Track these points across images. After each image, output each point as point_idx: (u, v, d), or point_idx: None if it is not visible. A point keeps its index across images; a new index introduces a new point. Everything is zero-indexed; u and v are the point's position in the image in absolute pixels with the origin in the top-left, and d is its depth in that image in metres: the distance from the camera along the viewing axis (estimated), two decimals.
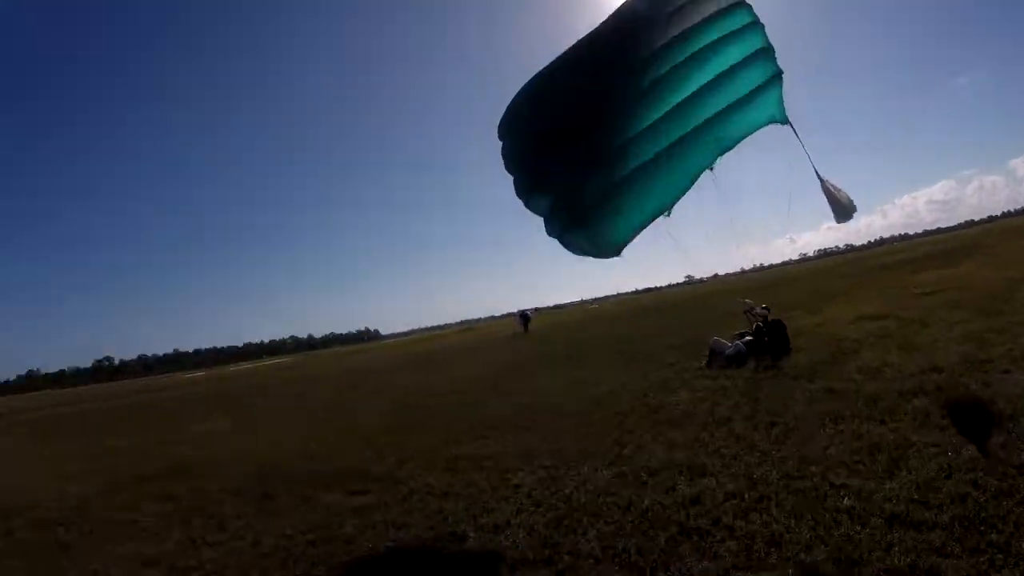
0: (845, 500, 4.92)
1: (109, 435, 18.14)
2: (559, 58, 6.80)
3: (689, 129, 6.32)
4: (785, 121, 6.73)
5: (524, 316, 49.53)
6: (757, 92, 6.60)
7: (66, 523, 8.24)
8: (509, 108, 6.97)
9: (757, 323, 12.84)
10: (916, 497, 4.74)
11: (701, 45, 6.50)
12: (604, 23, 6.77)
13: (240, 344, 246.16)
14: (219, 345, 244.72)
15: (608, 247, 6.78)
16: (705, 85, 6.44)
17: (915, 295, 17.09)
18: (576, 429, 9.16)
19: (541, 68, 6.88)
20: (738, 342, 12.46)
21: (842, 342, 11.95)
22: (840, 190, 7.38)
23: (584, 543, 5.05)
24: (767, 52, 6.71)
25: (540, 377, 15.91)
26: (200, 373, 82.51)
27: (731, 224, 7.27)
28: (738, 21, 6.67)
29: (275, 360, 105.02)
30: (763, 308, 13.35)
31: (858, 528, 4.44)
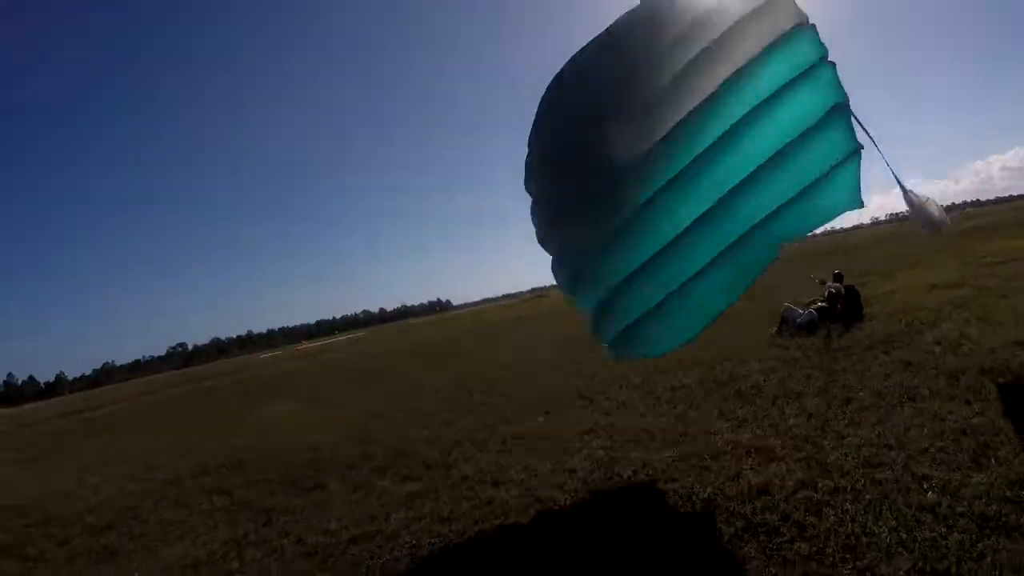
0: (929, 495, 4.48)
1: (174, 427, 18.22)
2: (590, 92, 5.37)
3: (747, 227, 5.11)
4: (862, 206, 5.22)
5: None
6: (832, 172, 5.06)
7: (119, 526, 8.16)
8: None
9: (830, 290, 12.41)
10: (1009, 495, 4.28)
11: (758, 95, 4.94)
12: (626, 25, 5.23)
13: (313, 322, 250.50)
14: (291, 324, 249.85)
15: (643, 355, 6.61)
16: (766, 163, 5.00)
17: (992, 264, 16.00)
18: (639, 403, 8.89)
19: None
20: (811, 309, 12.10)
21: (918, 311, 11.25)
22: (929, 200, 6.40)
23: (637, 537, 4.78)
24: (842, 111, 5.00)
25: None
26: (272, 353, 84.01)
27: None
28: (803, 54, 4.95)
29: (346, 336, 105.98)
30: (836, 275, 12.98)
31: (944, 530, 4.01)
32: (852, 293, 12.19)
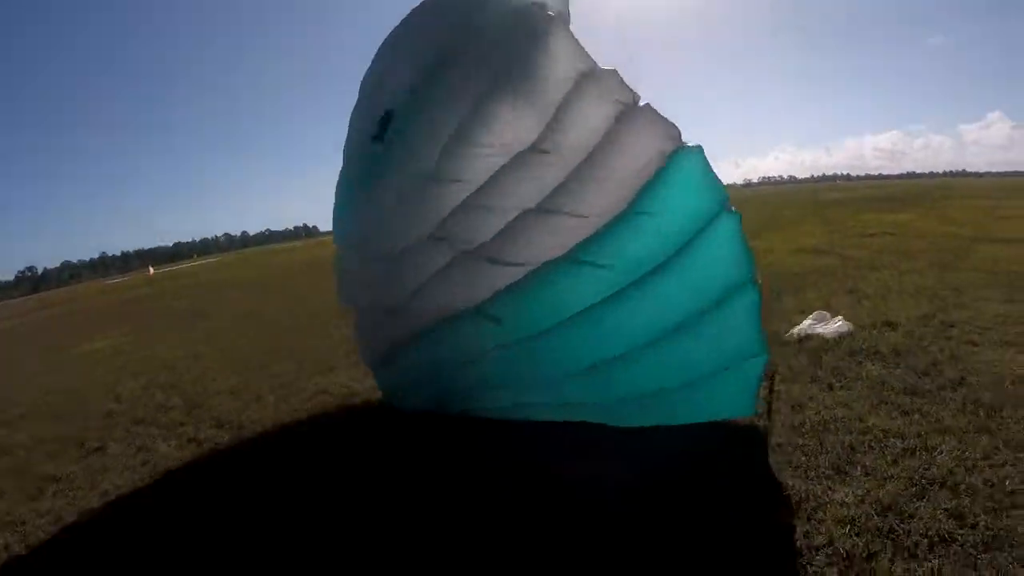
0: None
1: None
2: None
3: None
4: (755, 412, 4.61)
5: None
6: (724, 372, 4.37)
7: None
8: None
9: None
10: (879, 524, 3.37)
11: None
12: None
13: (170, 244, 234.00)
14: (148, 247, 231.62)
15: None
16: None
17: (861, 235, 16.01)
18: None
19: None
20: None
21: (783, 277, 10.67)
22: None
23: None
24: (749, 290, 4.13)
25: None
26: (119, 279, 75.41)
27: None
28: (694, 196, 4.03)
29: (201, 261, 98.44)
30: None
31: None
32: None
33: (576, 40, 3.98)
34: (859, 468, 3.93)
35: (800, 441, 4.36)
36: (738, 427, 4.63)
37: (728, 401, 4.41)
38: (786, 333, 7.06)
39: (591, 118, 3.95)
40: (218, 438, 6.22)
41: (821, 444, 4.29)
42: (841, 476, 3.86)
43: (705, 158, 3.86)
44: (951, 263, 10.86)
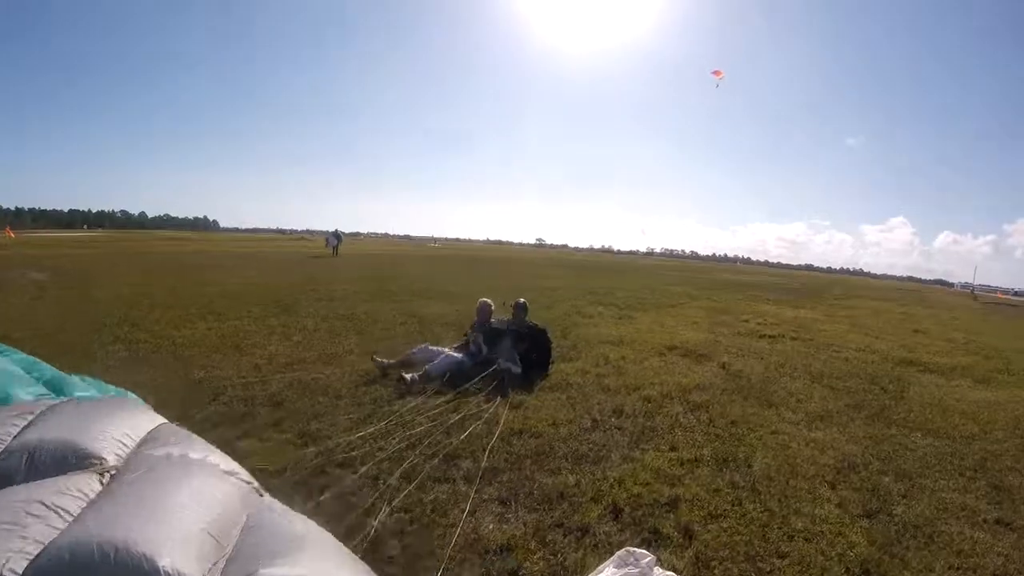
0: None
1: None
2: None
3: None
4: None
5: (337, 237, 42.86)
6: None
7: None
8: None
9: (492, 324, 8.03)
10: None
11: None
12: None
13: (65, 210, 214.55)
14: (42, 207, 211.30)
15: None
16: None
17: (757, 335, 12.15)
18: None
19: None
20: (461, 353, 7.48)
21: (626, 407, 6.31)
22: None
23: None
24: None
25: None
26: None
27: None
28: None
29: (90, 233, 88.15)
30: (517, 304, 8.26)
31: None
32: (535, 335, 7.75)
33: None
34: None
35: None
36: None
37: None
38: None
39: None
40: None
41: None
42: None
43: None
44: (884, 408, 6.97)
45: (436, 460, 4.54)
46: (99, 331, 8.93)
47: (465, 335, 7.93)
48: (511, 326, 7.70)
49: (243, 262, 27.51)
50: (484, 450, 4.75)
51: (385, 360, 7.11)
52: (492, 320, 7.93)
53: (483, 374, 6.68)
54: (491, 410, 5.69)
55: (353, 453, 4.55)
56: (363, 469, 4.28)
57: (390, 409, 5.66)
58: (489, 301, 8.13)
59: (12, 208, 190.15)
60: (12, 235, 57.33)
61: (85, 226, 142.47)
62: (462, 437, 4.97)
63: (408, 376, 6.47)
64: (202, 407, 5.53)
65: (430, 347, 7.52)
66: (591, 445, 5.04)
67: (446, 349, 7.46)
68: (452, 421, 5.37)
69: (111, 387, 3.94)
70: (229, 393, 6.02)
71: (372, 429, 5.06)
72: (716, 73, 36.71)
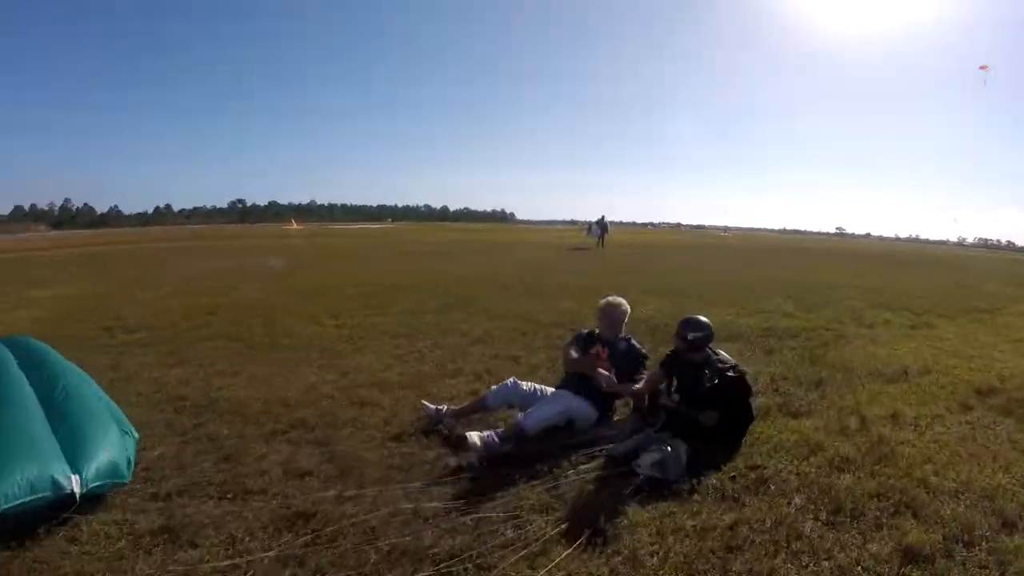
0: None
1: None
2: None
3: None
4: None
5: (602, 227, 37.45)
6: None
7: None
8: None
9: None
10: None
11: None
12: None
13: (375, 205, 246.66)
14: (352, 202, 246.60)
15: None
16: None
17: None
18: None
19: None
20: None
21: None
22: None
23: None
24: None
25: None
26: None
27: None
28: None
29: (390, 224, 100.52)
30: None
31: None
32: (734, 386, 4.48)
33: None
34: None
35: None
36: None
37: None
38: None
39: None
40: None
41: None
42: None
43: None
44: None
45: None
46: None
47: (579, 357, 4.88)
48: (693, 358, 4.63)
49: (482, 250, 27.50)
50: None
51: (440, 407, 4.69)
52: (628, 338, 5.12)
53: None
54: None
55: None
56: None
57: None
58: (622, 301, 5.16)
59: (327, 204, 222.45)
60: (296, 226, 66.23)
61: (390, 219, 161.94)
62: None
63: (468, 438, 4.02)
64: None
65: (520, 384, 4.80)
66: None
67: (545, 387, 4.90)
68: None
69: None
70: None
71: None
72: (983, 68, 38.55)
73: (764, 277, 17.98)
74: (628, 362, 4.83)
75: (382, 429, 4.58)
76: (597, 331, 5.05)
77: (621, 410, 4.98)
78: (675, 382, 4.66)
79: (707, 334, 4.55)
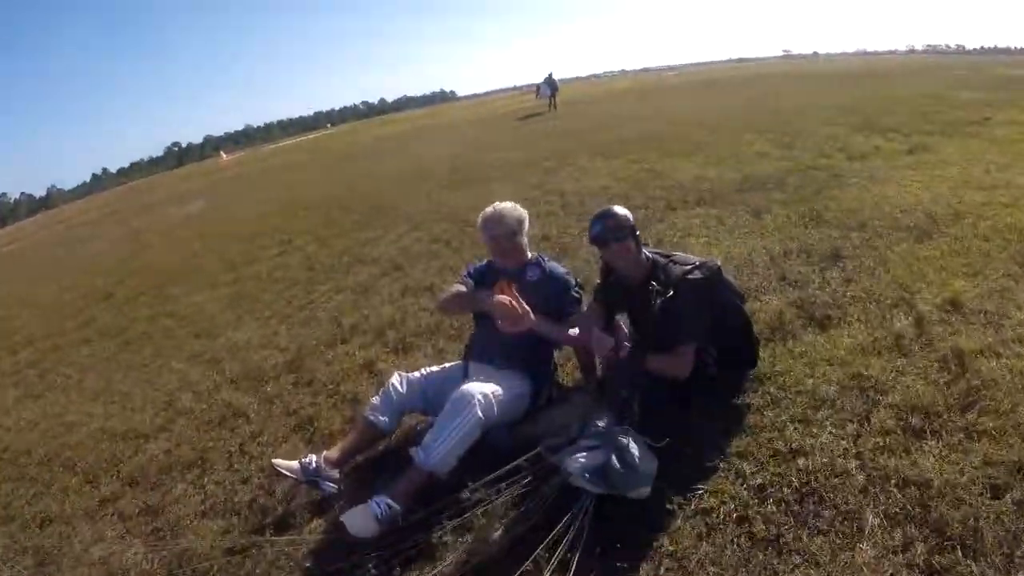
0: None
1: None
2: None
3: None
4: None
5: (550, 85, 30.96)
6: None
7: None
8: None
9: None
10: None
11: None
12: None
13: (310, 113, 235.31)
14: (289, 116, 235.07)
15: None
16: None
17: None
18: None
19: None
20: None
21: None
22: None
23: None
24: None
25: None
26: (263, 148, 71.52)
27: None
28: None
29: (329, 130, 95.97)
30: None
31: None
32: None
33: None
34: None
35: None
36: None
37: None
38: None
39: None
40: None
41: None
42: None
43: None
44: None
45: None
46: None
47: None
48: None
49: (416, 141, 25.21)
50: None
51: (308, 460, 2.88)
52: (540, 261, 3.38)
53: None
54: None
55: None
56: None
57: None
58: (506, 210, 3.33)
59: (263, 124, 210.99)
60: (225, 158, 56.42)
61: (329, 125, 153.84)
62: None
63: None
64: None
65: (410, 380, 3.10)
66: None
67: (445, 364, 3.37)
68: None
69: None
70: None
71: None
72: None
73: (725, 112, 16.00)
74: (548, 298, 3.16)
75: (236, 470, 3.33)
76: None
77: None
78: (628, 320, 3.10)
79: (614, 223, 2.85)
